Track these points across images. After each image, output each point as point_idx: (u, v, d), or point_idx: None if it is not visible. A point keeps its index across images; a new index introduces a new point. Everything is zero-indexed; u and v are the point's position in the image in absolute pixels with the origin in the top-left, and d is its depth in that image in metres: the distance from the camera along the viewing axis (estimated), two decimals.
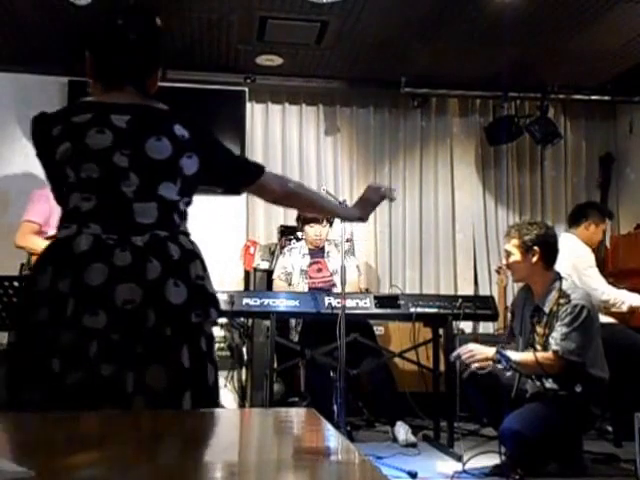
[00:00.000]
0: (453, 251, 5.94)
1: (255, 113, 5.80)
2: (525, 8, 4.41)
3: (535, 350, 3.26)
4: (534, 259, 3.31)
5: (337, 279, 4.53)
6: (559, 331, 3.18)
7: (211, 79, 5.48)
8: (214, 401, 1.77)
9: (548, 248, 3.35)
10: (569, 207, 5.48)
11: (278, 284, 4.62)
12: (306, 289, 4.52)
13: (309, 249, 4.65)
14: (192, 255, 1.77)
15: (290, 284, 4.58)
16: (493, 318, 4.54)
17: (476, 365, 3.22)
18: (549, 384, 3.26)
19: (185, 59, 5.25)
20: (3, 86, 5.32)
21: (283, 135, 5.86)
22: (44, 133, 1.77)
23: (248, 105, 5.65)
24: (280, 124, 5.86)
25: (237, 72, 5.47)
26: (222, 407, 1.85)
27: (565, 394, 3.22)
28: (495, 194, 6.07)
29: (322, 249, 4.66)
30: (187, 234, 1.82)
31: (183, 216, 1.82)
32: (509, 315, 3.70)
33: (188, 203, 1.86)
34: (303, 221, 4.60)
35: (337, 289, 4.44)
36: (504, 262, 3.62)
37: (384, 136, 6.00)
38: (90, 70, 1.88)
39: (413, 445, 4.03)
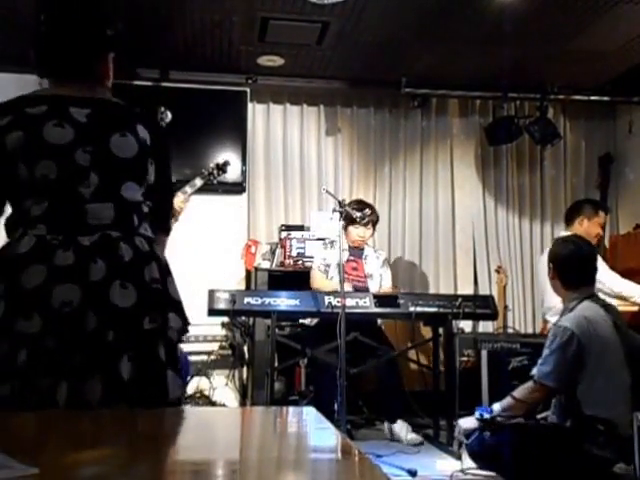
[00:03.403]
0: (453, 251, 5.95)
1: (256, 113, 5.80)
2: (525, 9, 4.41)
3: None
4: (550, 275, 3.19)
5: (371, 283, 4.65)
6: (542, 355, 3.03)
7: (212, 80, 5.48)
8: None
9: (561, 266, 3.13)
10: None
11: (317, 275, 4.70)
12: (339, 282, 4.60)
13: (349, 246, 4.70)
14: (148, 257, 1.62)
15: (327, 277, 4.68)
16: (493, 317, 4.56)
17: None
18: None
19: (186, 60, 5.26)
20: (4, 86, 5.31)
21: (284, 135, 5.86)
22: None
23: (249, 105, 5.66)
24: (281, 124, 5.87)
25: (238, 73, 5.47)
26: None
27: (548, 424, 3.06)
28: (495, 194, 6.07)
29: (362, 250, 4.74)
30: (147, 237, 1.66)
31: (145, 218, 1.68)
32: None
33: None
34: (348, 221, 4.56)
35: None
36: None
37: (384, 136, 6.00)
38: (35, 65, 1.75)
39: (420, 444, 4.09)
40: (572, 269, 3.13)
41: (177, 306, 1.66)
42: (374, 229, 4.76)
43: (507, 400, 3.08)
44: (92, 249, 1.53)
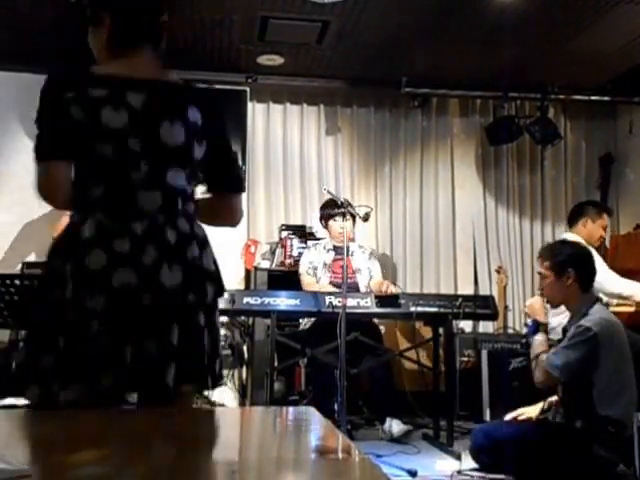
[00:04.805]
0: (453, 250, 5.95)
1: (256, 113, 5.80)
2: (525, 8, 4.41)
3: None
4: (569, 281, 3.06)
5: (360, 278, 4.65)
6: (557, 346, 3.03)
7: (212, 79, 5.46)
8: (209, 368, 1.82)
9: (583, 269, 3.10)
10: (569, 207, 5.47)
11: (306, 279, 4.70)
12: (327, 282, 4.59)
13: (334, 246, 4.70)
14: (189, 238, 1.81)
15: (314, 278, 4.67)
16: (493, 317, 4.55)
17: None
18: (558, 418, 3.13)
19: (186, 58, 5.24)
20: (5, 85, 5.32)
21: (284, 135, 5.86)
22: (56, 95, 1.74)
23: (249, 105, 5.65)
24: (281, 124, 5.87)
25: (238, 72, 5.47)
26: (220, 377, 1.89)
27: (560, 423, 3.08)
28: (495, 194, 6.07)
29: (347, 248, 4.70)
30: (188, 215, 1.84)
31: (189, 197, 1.85)
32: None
33: (196, 185, 1.90)
34: (327, 218, 4.62)
35: (362, 288, 4.59)
36: (538, 286, 3.37)
37: (385, 136, 6.00)
38: (106, 33, 1.86)
39: (409, 432, 4.09)
40: (589, 271, 3.14)
41: (211, 276, 1.85)
42: (354, 222, 4.69)
43: (537, 353, 3.08)
44: (143, 237, 1.73)
